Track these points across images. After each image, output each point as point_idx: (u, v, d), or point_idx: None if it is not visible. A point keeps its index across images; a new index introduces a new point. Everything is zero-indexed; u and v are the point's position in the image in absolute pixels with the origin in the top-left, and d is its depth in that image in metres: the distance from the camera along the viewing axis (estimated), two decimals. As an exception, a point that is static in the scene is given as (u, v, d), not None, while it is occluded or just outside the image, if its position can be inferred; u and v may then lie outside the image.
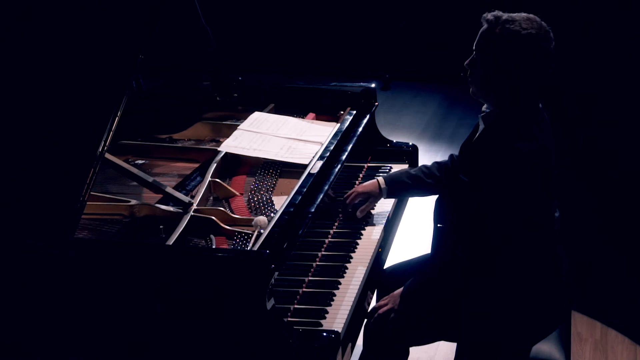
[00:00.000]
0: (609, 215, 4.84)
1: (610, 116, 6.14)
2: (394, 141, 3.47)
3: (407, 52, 7.45)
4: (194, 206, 2.57)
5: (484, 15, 2.34)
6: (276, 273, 2.16)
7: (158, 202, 2.65)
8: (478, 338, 2.47)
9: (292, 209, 2.49)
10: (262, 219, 2.48)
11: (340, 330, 2.26)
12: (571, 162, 5.42)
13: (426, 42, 7.33)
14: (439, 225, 2.61)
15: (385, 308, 2.53)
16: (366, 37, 7.51)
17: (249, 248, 2.39)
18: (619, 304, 3.95)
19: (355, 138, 3.11)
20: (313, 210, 2.55)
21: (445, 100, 7.04)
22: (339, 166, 2.88)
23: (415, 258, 2.90)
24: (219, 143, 3.10)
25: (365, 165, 3.32)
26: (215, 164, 2.86)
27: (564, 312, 2.59)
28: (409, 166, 3.35)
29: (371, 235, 2.80)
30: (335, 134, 3.07)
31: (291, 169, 2.93)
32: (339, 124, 3.20)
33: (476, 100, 2.45)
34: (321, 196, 2.64)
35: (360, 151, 3.19)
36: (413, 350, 2.70)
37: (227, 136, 3.07)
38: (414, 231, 4.18)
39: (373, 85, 3.43)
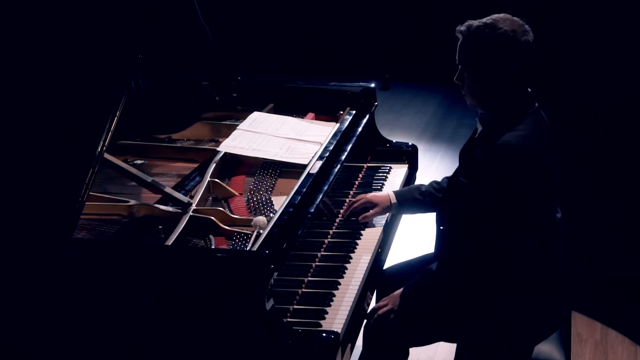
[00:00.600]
0: (609, 215, 4.84)
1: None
2: (394, 141, 3.47)
3: (407, 52, 7.44)
4: (193, 206, 2.57)
5: (457, 28, 2.39)
6: (275, 273, 2.16)
7: (157, 202, 2.65)
8: (478, 339, 2.47)
9: (291, 209, 2.49)
10: (261, 219, 2.48)
11: (339, 330, 2.25)
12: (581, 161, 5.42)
13: (426, 42, 7.32)
14: (441, 227, 2.61)
15: (385, 309, 2.52)
16: (366, 37, 7.51)
17: (248, 248, 2.39)
18: (619, 304, 3.94)
19: (354, 138, 3.11)
20: (312, 210, 2.55)
21: (445, 100, 7.04)
22: (339, 166, 2.88)
23: (415, 258, 2.90)
24: (218, 143, 3.10)
25: (365, 165, 3.32)
26: (215, 164, 2.85)
27: (564, 312, 2.59)
28: (408, 166, 3.35)
29: (371, 235, 2.79)
30: (335, 134, 3.07)
31: (290, 169, 2.93)
32: (338, 124, 3.19)
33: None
34: (320, 196, 2.64)
35: (359, 151, 3.19)
36: (413, 350, 2.70)
37: (227, 136, 3.06)
38: (414, 232, 4.18)
39: (372, 85, 3.43)
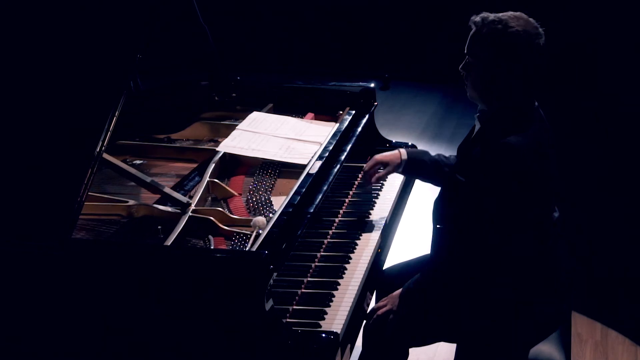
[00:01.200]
0: (609, 215, 4.83)
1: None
2: (394, 141, 3.46)
3: (407, 52, 7.43)
4: (192, 206, 2.56)
5: (472, 18, 2.38)
6: (275, 274, 2.16)
7: (156, 203, 2.64)
8: (478, 339, 2.46)
9: (290, 210, 2.48)
10: (260, 219, 2.47)
11: (339, 331, 2.25)
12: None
13: (426, 42, 7.32)
14: (438, 226, 2.60)
15: (384, 309, 2.52)
16: (366, 37, 7.51)
17: (247, 249, 2.38)
18: (620, 305, 3.94)
19: (354, 138, 3.10)
20: (312, 210, 2.54)
21: (445, 100, 7.03)
22: (338, 166, 2.87)
23: (415, 259, 2.89)
24: (217, 143, 3.09)
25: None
26: (214, 164, 2.85)
27: (564, 312, 2.59)
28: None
29: (370, 235, 2.79)
30: (334, 134, 3.06)
31: (290, 169, 2.92)
32: (338, 124, 3.19)
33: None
34: (320, 196, 2.63)
35: (359, 151, 3.18)
36: (412, 351, 2.69)
37: (226, 136, 3.05)
38: (413, 232, 4.17)
39: (372, 85, 3.42)
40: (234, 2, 7.52)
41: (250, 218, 2.52)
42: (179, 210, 2.56)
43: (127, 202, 2.63)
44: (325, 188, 2.70)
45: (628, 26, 6.39)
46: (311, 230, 2.71)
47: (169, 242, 2.35)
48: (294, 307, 2.36)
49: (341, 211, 2.92)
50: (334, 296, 2.42)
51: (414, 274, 2.55)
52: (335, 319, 2.31)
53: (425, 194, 4.56)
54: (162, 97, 3.47)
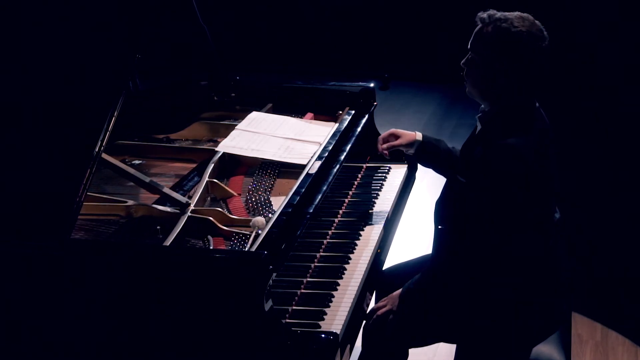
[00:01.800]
0: (609, 215, 4.83)
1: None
2: (393, 141, 3.44)
3: (407, 52, 7.43)
4: (192, 207, 2.56)
5: (479, 14, 2.38)
6: (274, 274, 2.15)
7: (155, 203, 2.64)
8: (478, 339, 2.46)
9: (290, 210, 2.48)
10: (260, 219, 2.47)
11: (338, 331, 2.24)
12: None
13: (426, 42, 7.31)
14: (439, 227, 2.60)
15: (384, 309, 2.51)
16: (365, 37, 7.50)
17: (246, 249, 2.38)
18: (620, 305, 3.93)
19: (354, 138, 3.09)
20: (311, 210, 2.54)
21: (445, 100, 7.03)
22: (338, 166, 2.86)
23: (415, 259, 2.89)
24: (216, 143, 3.08)
25: (364, 165, 3.31)
26: (213, 164, 2.84)
27: (564, 313, 2.58)
28: (408, 166, 3.34)
29: (370, 236, 2.78)
30: (334, 134, 3.05)
31: (289, 169, 2.92)
32: (337, 124, 3.18)
33: (475, 100, 2.46)
34: (320, 197, 2.63)
35: (359, 151, 3.18)
36: (412, 352, 2.69)
37: (225, 136, 3.05)
38: (413, 232, 4.17)
39: (372, 85, 3.42)
40: (234, 2, 7.52)
41: (250, 218, 2.52)
42: (178, 211, 2.56)
43: (126, 202, 2.62)
44: (324, 188, 2.69)
45: (628, 26, 6.38)
46: (311, 230, 2.70)
47: (168, 242, 2.34)
48: (294, 307, 2.35)
49: (341, 211, 2.92)
50: (333, 296, 2.41)
51: (413, 274, 2.54)
52: (335, 320, 2.31)
53: (424, 194, 4.57)
54: (161, 97, 3.47)
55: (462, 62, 2.41)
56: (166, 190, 2.62)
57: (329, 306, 2.37)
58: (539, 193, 2.34)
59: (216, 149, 2.96)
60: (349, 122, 3.19)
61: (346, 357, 2.27)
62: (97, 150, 2.25)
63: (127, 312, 2.18)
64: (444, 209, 2.57)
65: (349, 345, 2.31)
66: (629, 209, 4.90)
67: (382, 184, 3.17)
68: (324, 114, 3.40)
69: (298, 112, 3.40)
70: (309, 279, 2.49)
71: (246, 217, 2.60)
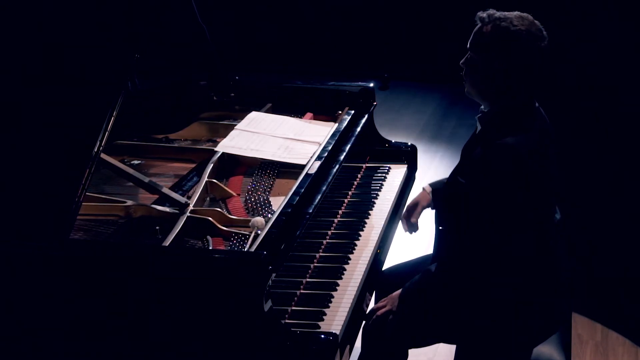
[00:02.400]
0: (609, 215, 4.83)
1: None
2: (393, 141, 3.45)
3: (406, 52, 7.43)
4: (191, 207, 2.55)
5: (478, 13, 2.39)
6: (273, 274, 2.15)
7: (154, 203, 2.63)
8: (478, 339, 2.45)
9: (289, 210, 2.47)
10: (259, 219, 2.47)
11: (338, 332, 2.24)
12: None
13: (425, 42, 7.31)
14: (440, 227, 2.60)
15: (383, 310, 2.51)
16: (365, 37, 7.50)
17: (246, 249, 2.37)
18: (620, 305, 3.93)
19: (353, 138, 3.09)
20: (311, 211, 2.53)
21: (444, 100, 7.03)
22: (337, 166, 2.86)
23: (414, 259, 2.89)
24: (215, 143, 3.08)
25: (364, 165, 3.30)
26: (212, 164, 2.84)
27: (564, 313, 2.58)
28: (407, 167, 3.34)
29: (369, 236, 2.78)
30: (334, 134, 3.05)
31: (289, 170, 2.92)
32: (337, 124, 3.18)
33: (475, 100, 2.45)
34: (319, 197, 2.62)
35: (358, 151, 3.17)
36: (412, 352, 2.68)
37: (224, 136, 3.04)
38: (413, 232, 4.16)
39: (371, 84, 3.41)
40: (234, 2, 7.52)
41: (249, 218, 2.51)
42: (177, 211, 2.55)
43: (125, 202, 2.62)
44: (324, 188, 2.69)
45: (628, 26, 6.38)
46: (310, 230, 2.70)
47: (167, 242, 2.34)
48: (293, 307, 2.35)
49: (340, 211, 2.91)
50: (333, 297, 2.41)
51: (413, 275, 2.54)
52: (335, 320, 2.30)
53: (424, 194, 4.55)
54: (160, 97, 3.46)
55: (461, 61, 2.41)
56: (165, 190, 2.62)
57: (328, 306, 2.36)
58: (539, 193, 2.34)
59: (215, 149, 2.96)
60: (348, 122, 3.19)
61: (346, 358, 2.27)
62: (96, 150, 2.25)
63: (126, 313, 2.17)
64: (445, 210, 2.57)
65: (348, 346, 2.30)
66: (629, 209, 4.90)
67: (382, 184, 3.17)
68: (324, 114, 3.40)
69: (297, 112, 3.39)
70: (308, 279, 2.49)
71: (245, 217, 2.60)
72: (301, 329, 2.23)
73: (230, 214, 2.60)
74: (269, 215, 2.60)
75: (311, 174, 2.71)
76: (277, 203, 2.60)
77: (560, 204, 2.55)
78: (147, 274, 2.16)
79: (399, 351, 2.65)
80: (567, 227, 2.61)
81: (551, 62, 2.38)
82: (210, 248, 2.40)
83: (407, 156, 3.39)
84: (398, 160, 3.34)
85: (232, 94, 3.51)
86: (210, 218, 2.49)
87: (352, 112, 3.29)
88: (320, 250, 2.65)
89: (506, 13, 2.34)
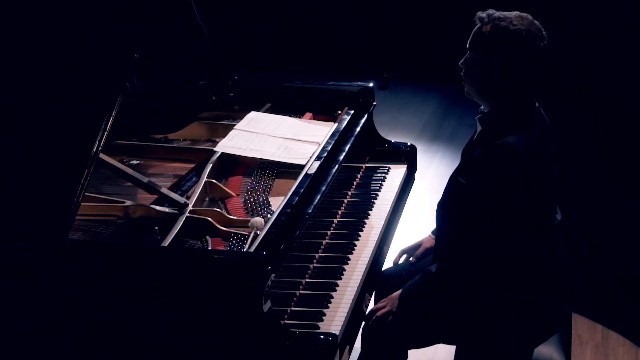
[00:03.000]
0: (609, 215, 4.82)
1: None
2: (392, 141, 3.45)
3: (406, 52, 7.42)
4: (190, 207, 2.55)
5: (478, 13, 2.39)
6: (273, 275, 2.15)
7: (153, 203, 2.63)
8: (478, 339, 2.45)
9: (289, 210, 2.47)
10: (258, 220, 2.46)
11: (337, 332, 2.24)
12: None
13: (425, 42, 7.30)
14: (440, 228, 2.59)
15: (383, 310, 2.50)
16: (365, 37, 7.49)
17: (245, 249, 2.37)
18: (620, 306, 3.92)
19: (353, 138, 3.09)
20: (310, 211, 2.53)
21: (444, 99, 7.02)
22: (337, 166, 2.86)
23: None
24: (215, 143, 3.08)
25: (363, 165, 3.30)
26: (211, 165, 2.83)
27: (564, 314, 2.57)
28: (407, 167, 3.33)
29: (369, 236, 2.78)
30: (333, 134, 3.05)
31: (288, 170, 2.91)
32: (336, 124, 3.17)
33: (475, 101, 2.45)
34: (319, 197, 2.62)
35: (358, 151, 3.17)
36: (411, 352, 2.68)
37: (223, 136, 3.04)
38: (413, 233, 4.15)
39: (371, 84, 3.41)
40: (234, 2, 7.51)
41: (248, 219, 2.51)
42: (176, 211, 2.55)
43: (124, 202, 2.61)
44: (323, 188, 2.68)
45: (628, 26, 6.38)
46: (309, 230, 2.70)
47: (166, 242, 2.34)
48: (292, 308, 2.35)
49: (340, 212, 2.91)
50: (332, 297, 2.41)
51: (413, 275, 2.54)
52: (334, 320, 2.30)
53: (424, 194, 4.56)
54: (159, 97, 3.46)
55: (461, 61, 2.41)
56: (164, 190, 2.62)
57: (328, 307, 2.36)
58: (539, 193, 2.34)
59: (215, 149, 2.96)
60: (348, 122, 3.18)
61: (345, 358, 2.27)
62: (95, 150, 2.24)
63: (125, 313, 2.17)
64: (445, 211, 2.56)
65: (348, 346, 2.30)
66: (629, 209, 4.89)
67: (382, 184, 3.16)
68: (323, 113, 3.39)
69: (297, 112, 3.39)
70: (307, 280, 2.49)
71: (245, 217, 2.59)
72: (301, 330, 2.22)
73: (229, 214, 2.60)
74: (268, 215, 2.60)
75: (310, 174, 2.71)
76: (277, 203, 2.60)
77: (560, 204, 2.54)
78: (146, 274, 2.15)
79: (398, 352, 2.65)
80: (567, 227, 2.60)
81: (551, 62, 2.38)
82: (210, 248, 2.40)
83: (407, 156, 3.38)
84: (398, 161, 3.34)
85: (232, 94, 3.50)
86: (209, 218, 2.49)
87: (352, 112, 3.29)
88: (320, 251, 2.65)
89: (506, 13, 2.34)
